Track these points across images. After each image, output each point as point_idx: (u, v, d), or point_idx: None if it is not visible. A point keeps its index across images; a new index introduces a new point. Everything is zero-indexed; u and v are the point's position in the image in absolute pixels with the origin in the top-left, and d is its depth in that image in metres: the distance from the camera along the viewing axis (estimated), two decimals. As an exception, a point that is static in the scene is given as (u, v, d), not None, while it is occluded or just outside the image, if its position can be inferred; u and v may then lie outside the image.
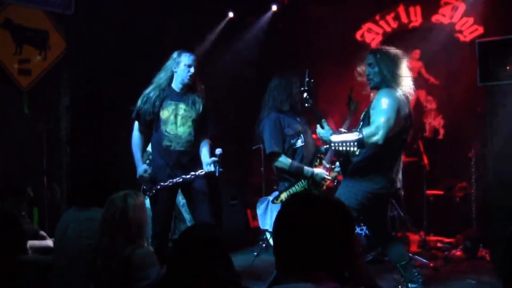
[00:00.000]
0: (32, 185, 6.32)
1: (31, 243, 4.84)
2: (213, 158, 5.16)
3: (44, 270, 4.29)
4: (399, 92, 4.61)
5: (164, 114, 5.27)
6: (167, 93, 5.34)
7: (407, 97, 4.68)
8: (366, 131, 4.44)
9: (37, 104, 6.82)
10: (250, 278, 5.99)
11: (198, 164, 5.28)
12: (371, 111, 4.59)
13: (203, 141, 5.40)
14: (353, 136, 4.48)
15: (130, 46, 7.66)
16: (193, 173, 5.22)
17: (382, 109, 4.49)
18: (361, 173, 4.70)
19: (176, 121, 5.26)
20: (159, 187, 5.20)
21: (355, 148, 4.49)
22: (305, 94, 4.93)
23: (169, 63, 5.40)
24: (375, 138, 4.42)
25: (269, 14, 9.35)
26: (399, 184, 4.82)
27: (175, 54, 5.42)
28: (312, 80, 4.96)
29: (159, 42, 8.39)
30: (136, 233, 3.45)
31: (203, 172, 5.20)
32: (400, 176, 4.83)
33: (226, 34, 9.11)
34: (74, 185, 6.57)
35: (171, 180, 5.20)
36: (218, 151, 5.18)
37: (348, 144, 4.46)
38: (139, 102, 5.38)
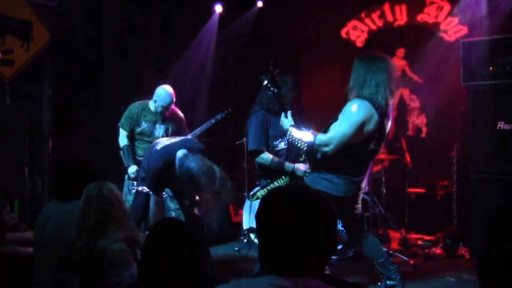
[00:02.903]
0: (13, 177, 6.30)
1: (11, 235, 4.80)
2: None
3: (25, 263, 4.26)
4: (372, 106, 4.49)
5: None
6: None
7: (381, 110, 4.54)
8: (320, 138, 4.55)
9: (20, 95, 6.77)
10: (229, 272, 5.99)
11: None
12: (339, 117, 4.62)
13: None
14: (307, 137, 4.62)
15: (114, 39, 7.63)
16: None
17: (343, 121, 4.52)
18: (321, 171, 4.74)
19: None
20: (140, 188, 5.25)
21: (304, 148, 4.67)
22: (265, 82, 5.01)
23: None
24: (325, 149, 4.55)
25: (254, 10, 9.33)
26: (361, 190, 4.90)
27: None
28: (277, 70, 5.05)
29: (144, 35, 8.36)
30: (107, 224, 3.39)
31: None
32: (363, 184, 4.90)
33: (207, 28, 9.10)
34: (55, 178, 6.53)
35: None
36: None
37: (300, 142, 4.67)
38: None
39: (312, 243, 1.87)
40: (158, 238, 2.62)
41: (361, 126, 4.47)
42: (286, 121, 4.84)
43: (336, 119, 4.64)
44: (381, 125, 4.58)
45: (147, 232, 6.63)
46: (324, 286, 1.90)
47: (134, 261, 3.42)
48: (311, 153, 4.77)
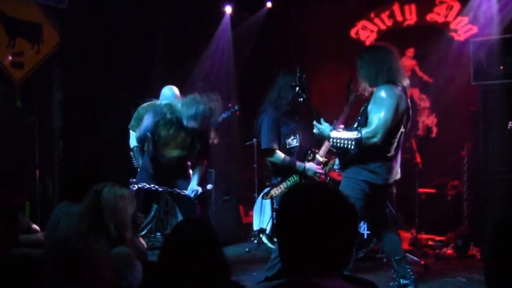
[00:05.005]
0: (24, 179, 6.32)
1: (23, 237, 4.81)
2: (199, 189, 5.43)
3: (36, 264, 4.27)
4: (397, 87, 4.61)
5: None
6: None
7: (405, 91, 4.69)
8: (365, 132, 4.51)
9: (30, 97, 6.80)
10: (240, 273, 5.99)
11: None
12: (370, 109, 4.61)
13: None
14: (352, 135, 4.57)
15: (123, 41, 7.65)
16: (176, 189, 5.44)
17: (380, 108, 4.52)
18: (359, 164, 4.70)
19: None
20: (140, 186, 5.26)
21: (352, 147, 4.57)
22: (297, 89, 5.00)
23: None
24: (373, 140, 4.51)
25: (264, 11, 9.33)
26: (397, 176, 4.87)
27: None
28: (304, 75, 5.04)
29: (153, 36, 8.38)
30: (106, 225, 3.37)
31: (185, 193, 5.43)
32: (398, 167, 4.87)
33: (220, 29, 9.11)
34: (66, 179, 6.55)
35: (154, 186, 5.38)
36: (209, 187, 5.63)
37: (346, 142, 4.58)
38: None
39: (336, 243, 1.82)
40: (177, 237, 2.62)
41: (397, 107, 4.54)
42: (323, 128, 4.77)
43: (364, 113, 4.65)
44: (407, 104, 4.68)
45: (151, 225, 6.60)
46: (349, 287, 1.86)
47: (137, 264, 3.42)
48: (342, 152, 4.76)
